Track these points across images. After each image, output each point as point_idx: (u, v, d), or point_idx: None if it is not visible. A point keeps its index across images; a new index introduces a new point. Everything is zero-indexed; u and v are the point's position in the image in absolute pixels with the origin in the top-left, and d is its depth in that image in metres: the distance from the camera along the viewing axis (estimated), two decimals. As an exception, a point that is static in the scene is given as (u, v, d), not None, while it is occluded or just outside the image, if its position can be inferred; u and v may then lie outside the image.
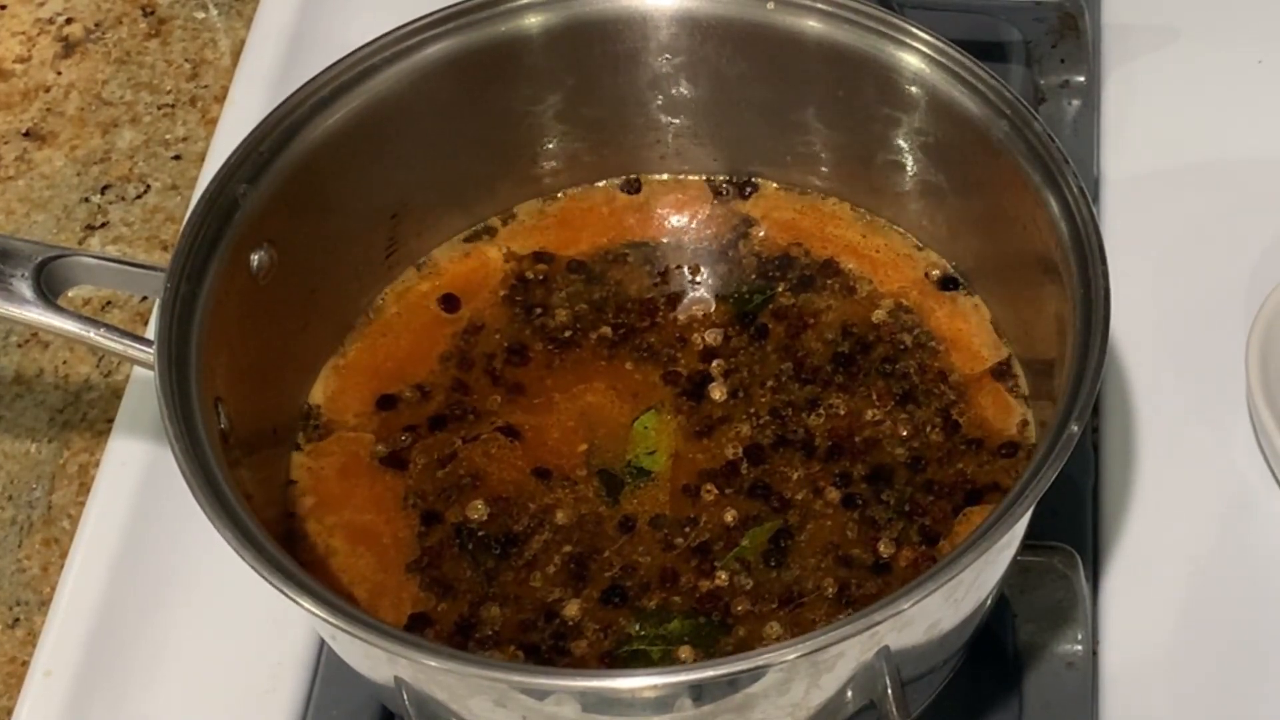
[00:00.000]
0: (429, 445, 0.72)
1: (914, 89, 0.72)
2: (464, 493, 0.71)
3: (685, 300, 0.77)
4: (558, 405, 0.73)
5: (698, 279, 0.77)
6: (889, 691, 0.61)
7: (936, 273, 0.76)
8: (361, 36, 0.73)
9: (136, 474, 0.80)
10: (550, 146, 0.78)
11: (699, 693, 0.59)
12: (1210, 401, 0.80)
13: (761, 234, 0.78)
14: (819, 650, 0.57)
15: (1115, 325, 0.63)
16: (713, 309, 0.76)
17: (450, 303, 0.77)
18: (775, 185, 0.79)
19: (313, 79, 0.72)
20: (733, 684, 0.58)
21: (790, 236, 0.78)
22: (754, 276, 0.77)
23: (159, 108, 0.99)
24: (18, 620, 0.80)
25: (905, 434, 0.71)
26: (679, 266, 0.78)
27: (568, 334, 0.75)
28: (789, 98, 0.76)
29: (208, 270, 0.67)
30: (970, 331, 0.74)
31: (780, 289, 0.76)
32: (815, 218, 0.78)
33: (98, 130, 0.98)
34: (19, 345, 0.89)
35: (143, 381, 0.83)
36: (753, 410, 0.73)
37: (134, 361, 0.68)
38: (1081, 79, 0.91)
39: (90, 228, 0.94)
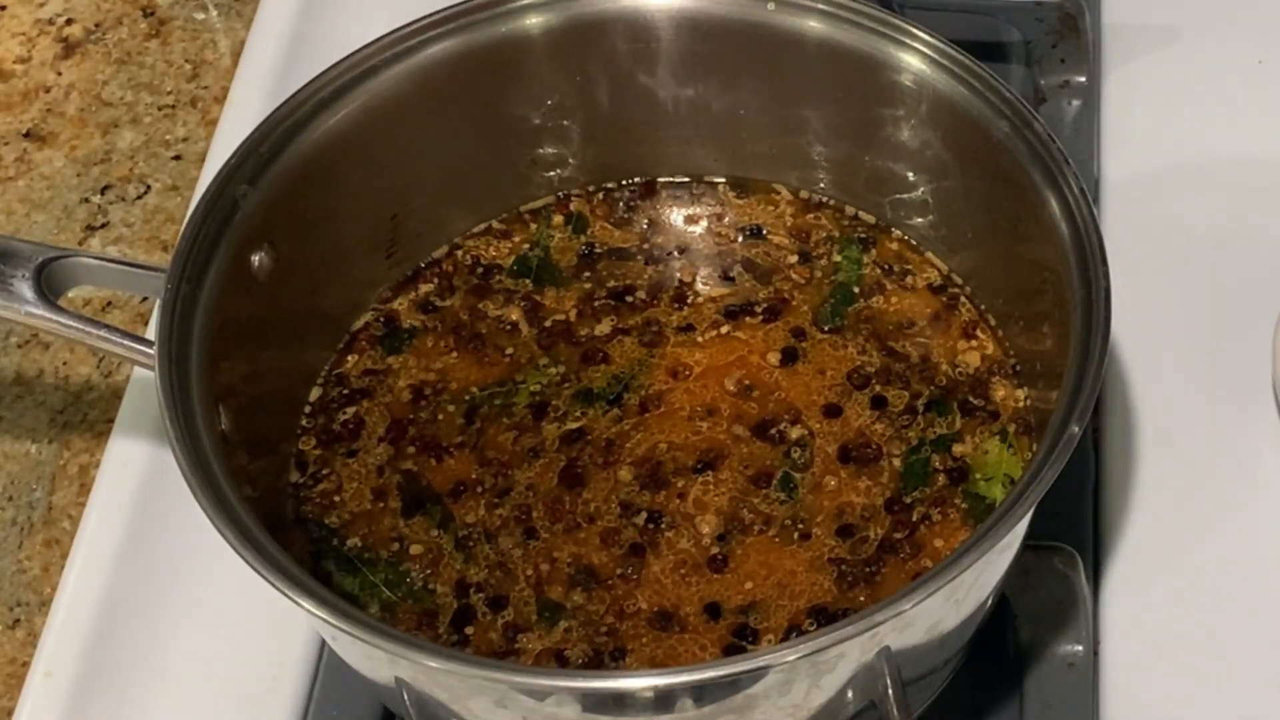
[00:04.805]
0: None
1: (914, 89, 0.72)
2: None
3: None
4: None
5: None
6: (890, 692, 0.61)
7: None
8: (361, 37, 0.73)
9: (137, 475, 0.80)
10: (550, 148, 0.78)
11: (700, 693, 0.59)
12: (1210, 401, 0.80)
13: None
14: (820, 651, 0.57)
15: (1115, 326, 0.63)
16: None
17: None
18: (775, 186, 0.79)
19: (313, 80, 0.72)
20: (733, 684, 0.58)
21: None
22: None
23: (159, 108, 0.99)
24: (18, 621, 0.80)
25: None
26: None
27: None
28: (789, 99, 0.76)
29: (208, 271, 0.67)
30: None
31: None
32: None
33: (98, 131, 0.98)
34: (19, 346, 0.89)
35: (143, 382, 0.83)
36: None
37: (134, 362, 0.68)
38: (1081, 79, 0.91)
39: (90, 228, 0.94)
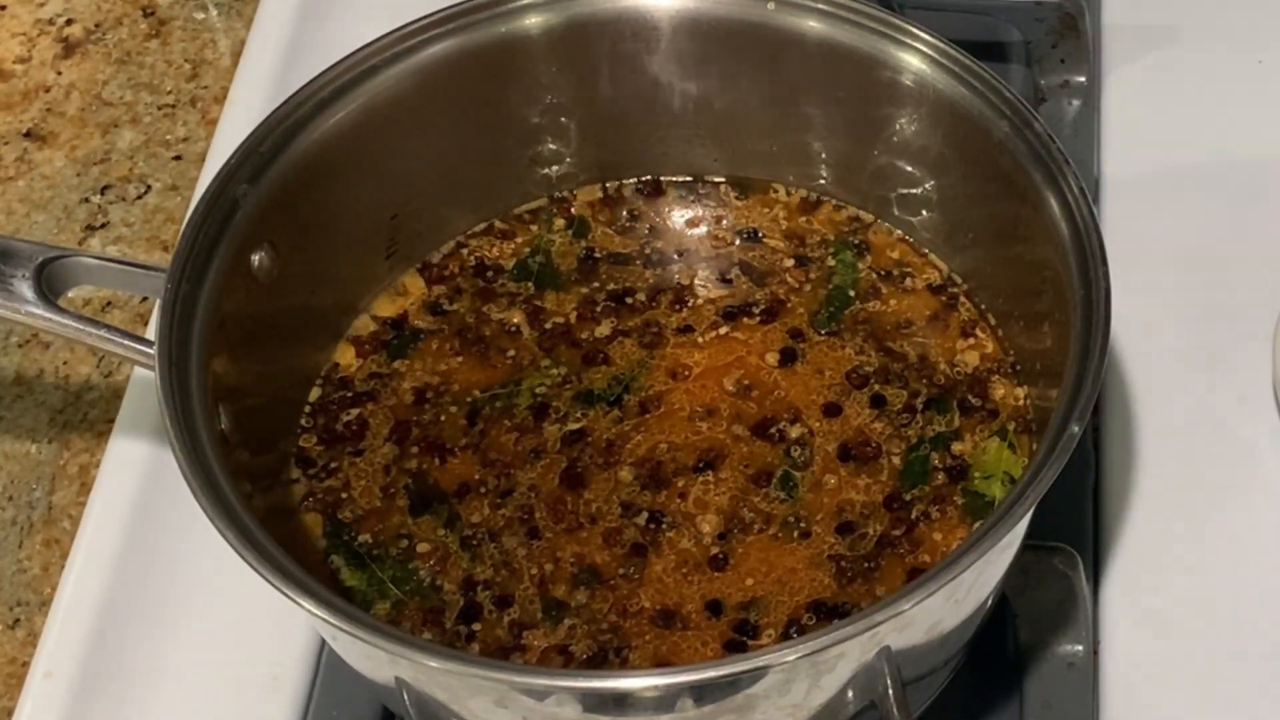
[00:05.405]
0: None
1: (914, 89, 0.72)
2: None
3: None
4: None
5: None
6: (890, 692, 0.61)
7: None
8: (361, 37, 0.73)
9: (137, 474, 0.80)
10: (550, 147, 0.78)
11: (700, 693, 0.59)
12: (1210, 401, 0.80)
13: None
14: (820, 651, 0.57)
15: (1115, 326, 0.63)
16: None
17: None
18: (775, 186, 0.79)
19: (313, 79, 0.72)
20: (734, 684, 0.58)
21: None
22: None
23: (159, 108, 0.99)
24: (18, 621, 0.80)
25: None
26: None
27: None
28: (789, 98, 0.76)
29: (208, 271, 0.67)
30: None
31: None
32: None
33: (98, 131, 0.98)
34: (19, 346, 0.89)
35: (143, 382, 0.83)
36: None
37: (134, 362, 0.68)
38: (1081, 79, 0.91)
39: (90, 228, 0.94)
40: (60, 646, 0.76)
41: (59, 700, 0.74)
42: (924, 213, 0.76)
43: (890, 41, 0.72)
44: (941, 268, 0.76)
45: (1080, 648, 0.73)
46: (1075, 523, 0.76)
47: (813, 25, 0.73)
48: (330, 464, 0.73)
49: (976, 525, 0.69)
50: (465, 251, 0.79)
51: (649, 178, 0.80)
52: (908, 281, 0.76)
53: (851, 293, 0.76)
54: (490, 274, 0.78)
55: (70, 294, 0.69)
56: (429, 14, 0.73)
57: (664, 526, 0.70)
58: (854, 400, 0.73)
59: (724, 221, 0.79)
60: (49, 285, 0.68)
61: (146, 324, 0.89)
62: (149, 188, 0.95)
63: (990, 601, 0.67)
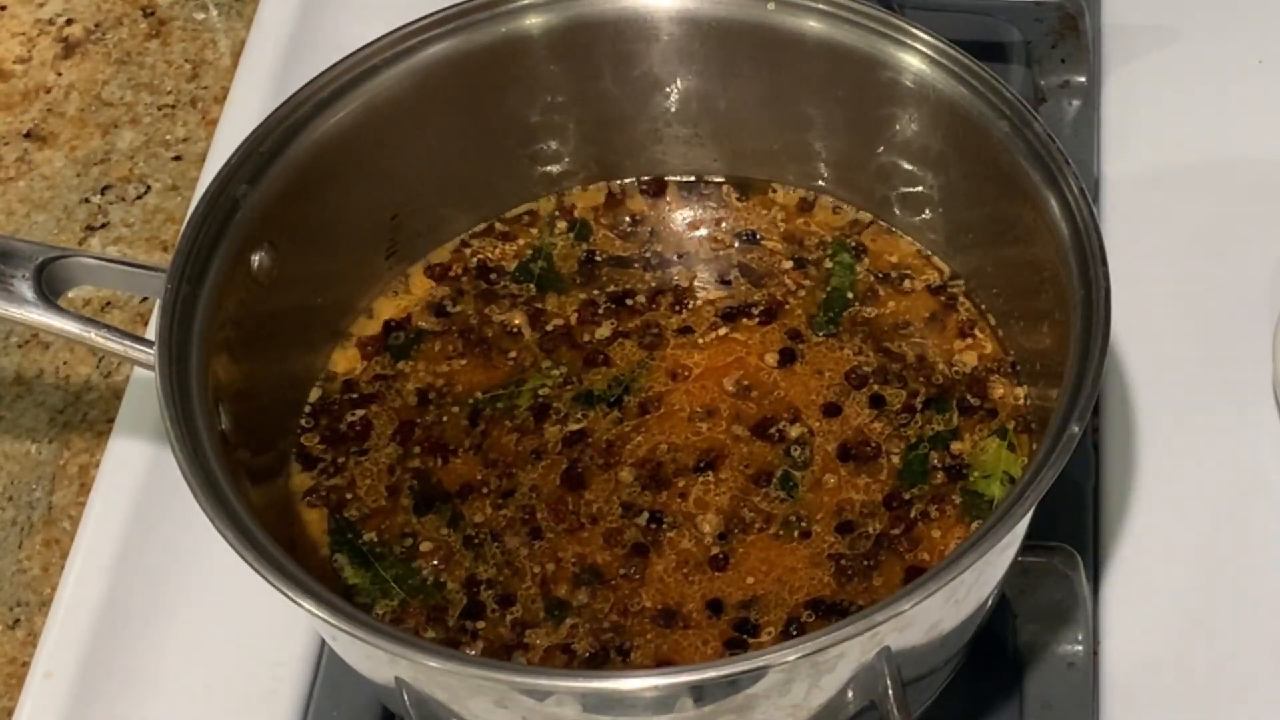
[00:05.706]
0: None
1: (914, 89, 0.72)
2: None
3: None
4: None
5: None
6: (890, 692, 0.61)
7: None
8: (362, 37, 0.73)
9: (137, 475, 0.80)
10: (550, 147, 0.78)
11: (700, 693, 0.59)
12: (1210, 401, 0.80)
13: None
14: (820, 651, 0.57)
15: (1115, 326, 0.63)
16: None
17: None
18: (774, 187, 0.79)
19: (313, 80, 0.72)
20: (733, 684, 0.58)
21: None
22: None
23: (159, 108, 0.99)
24: (18, 621, 0.80)
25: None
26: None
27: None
28: (789, 98, 0.76)
29: (208, 271, 0.67)
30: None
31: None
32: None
33: (98, 131, 0.98)
34: (19, 346, 0.89)
35: (143, 382, 0.83)
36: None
37: (134, 362, 0.68)
38: (1081, 79, 0.91)
39: (90, 228, 0.94)
40: (60, 646, 0.76)
41: (59, 700, 0.74)
42: (924, 213, 0.76)
43: (890, 41, 0.72)
44: (941, 268, 0.76)
45: (1080, 648, 0.73)
46: (1075, 523, 0.76)
47: (813, 25, 0.73)
48: (336, 460, 0.73)
49: (975, 525, 0.69)
50: (468, 252, 0.79)
51: (650, 178, 0.80)
52: (906, 283, 0.76)
53: (850, 294, 0.76)
54: (492, 276, 0.78)
55: (70, 294, 0.69)
56: (429, 14, 0.73)
57: (664, 526, 0.70)
58: (853, 400, 0.73)
59: (723, 224, 0.79)
60: (49, 285, 0.68)
61: (146, 324, 0.89)
62: (149, 188, 0.95)
63: (990, 601, 0.67)
